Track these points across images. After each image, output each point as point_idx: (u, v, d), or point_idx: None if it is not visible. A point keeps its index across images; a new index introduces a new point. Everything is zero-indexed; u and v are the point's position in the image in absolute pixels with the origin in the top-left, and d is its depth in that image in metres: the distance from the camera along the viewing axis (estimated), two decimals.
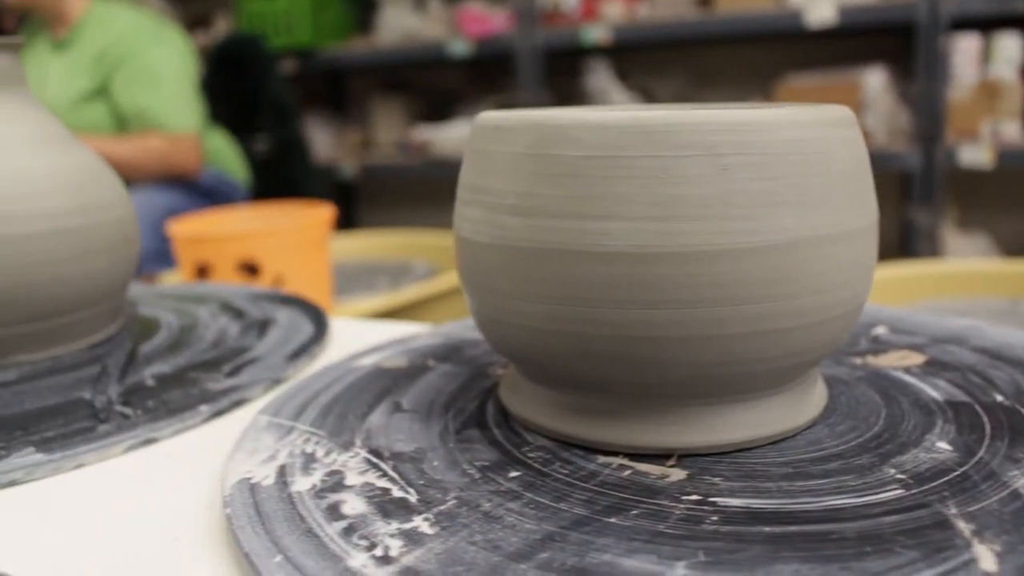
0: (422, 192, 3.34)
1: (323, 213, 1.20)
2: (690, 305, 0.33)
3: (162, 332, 0.61)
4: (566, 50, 2.70)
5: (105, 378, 0.52)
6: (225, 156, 2.18)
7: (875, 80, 2.32)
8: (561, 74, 2.84)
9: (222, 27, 3.15)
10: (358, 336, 0.62)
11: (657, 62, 2.84)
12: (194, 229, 1.18)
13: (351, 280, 1.44)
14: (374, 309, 1.19)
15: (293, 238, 1.15)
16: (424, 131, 2.85)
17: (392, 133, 3.05)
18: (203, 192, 2.02)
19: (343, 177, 2.99)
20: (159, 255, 1.82)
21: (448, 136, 2.77)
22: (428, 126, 2.91)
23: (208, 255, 1.12)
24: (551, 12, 2.64)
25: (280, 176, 2.49)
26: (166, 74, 1.92)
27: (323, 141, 3.09)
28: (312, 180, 2.58)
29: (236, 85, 2.51)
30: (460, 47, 2.69)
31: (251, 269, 1.13)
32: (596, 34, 2.53)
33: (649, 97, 2.75)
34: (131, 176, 1.88)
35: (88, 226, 0.56)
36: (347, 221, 3.30)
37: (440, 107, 3.05)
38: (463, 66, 3.09)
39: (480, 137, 0.38)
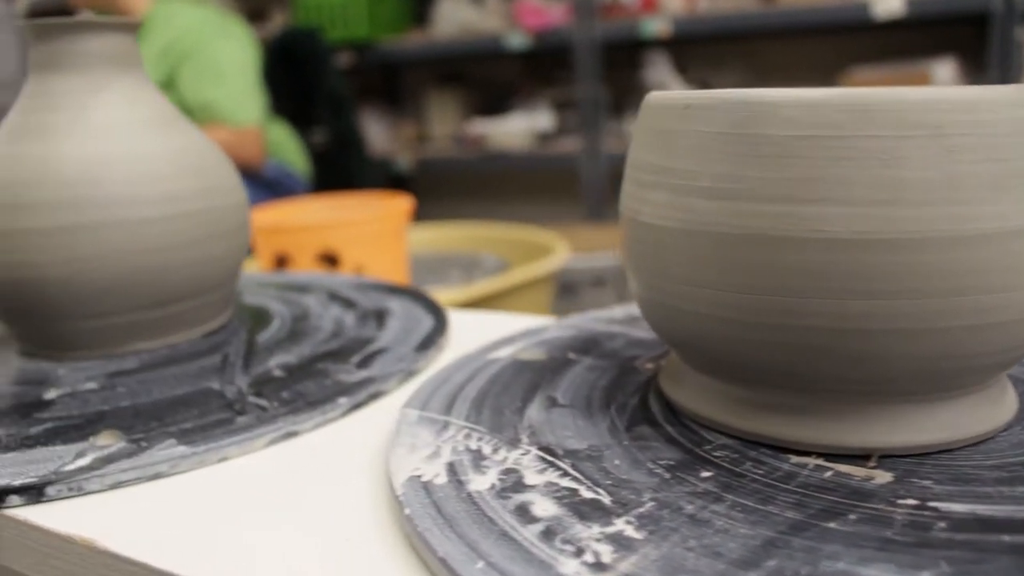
0: (478, 185, 3.32)
1: (401, 204, 1.18)
2: (918, 295, 0.30)
3: (275, 321, 0.60)
4: (624, 43, 2.67)
5: (230, 368, 0.51)
6: (286, 148, 2.18)
7: (944, 73, 2.26)
8: (619, 67, 2.81)
9: (278, 21, 3.15)
10: (474, 327, 0.60)
11: (717, 55, 2.80)
12: (274, 219, 1.17)
13: (423, 272, 1.43)
14: (453, 301, 1.18)
15: (373, 229, 1.14)
16: (480, 124, 2.84)
17: (447, 126, 3.04)
18: (266, 183, 2.02)
19: (398, 170, 2.98)
20: None
21: (505, 129, 2.75)
22: (484, 119, 2.89)
23: (288, 245, 1.11)
24: (610, 4, 2.61)
25: (337, 168, 2.49)
26: (230, 68, 1.92)
27: (378, 134, 3.08)
28: (368, 173, 2.57)
29: (293, 78, 2.51)
30: (518, 40, 2.67)
31: (331, 260, 1.12)
32: (656, 26, 2.50)
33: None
34: None
35: (209, 210, 0.55)
36: None
37: (496, 100, 3.03)
38: (519, 59, 3.07)
39: (663, 116, 0.36)
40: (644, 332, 0.52)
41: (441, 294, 1.23)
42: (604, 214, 2.73)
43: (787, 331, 0.33)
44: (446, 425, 0.40)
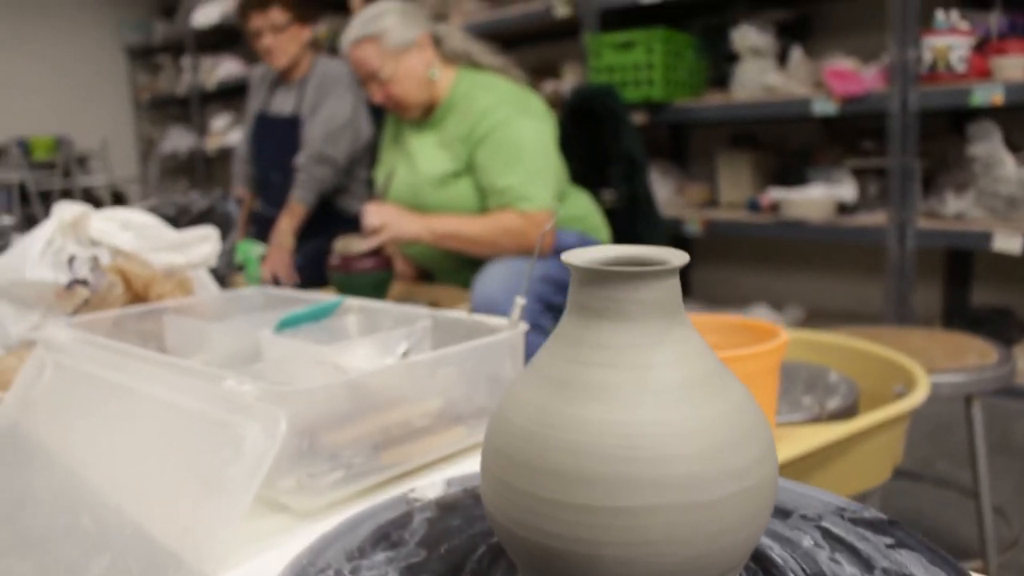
0: (768, 254, 3.19)
1: (783, 337, 1.10)
2: None
3: None
4: (946, 111, 2.48)
5: None
6: (591, 218, 2.17)
7: None
8: (933, 137, 2.62)
9: (570, 78, 3.16)
10: None
11: None
12: None
13: None
14: (824, 441, 1.10)
15: (751, 366, 1.06)
16: (776, 191, 2.72)
17: (738, 191, 2.94)
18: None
19: (685, 233, 2.91)
20: (535, 316, 1.83)
21: (803, 198, 2.62)
22: (779, 186, 2.77)
23: None
24: (932, 71, 2.42)
25: (625, 230, 2.44)
26: (526, 149, 1.91)
27: (664, 195, 3.03)
28: (657, 235, 2.51)
29: (589, 137, 2.50)
30: (824, 106, 2.54)
31: None
32: (988, 94, 2.29)
33: None
34: (489, 252, 1.90)
35: (761, 484, 0.49)
36: (683, 279, 3.22)
37: (791, 166, 2.90)
38: (818, 123, 2.92)
39: None
40: None
41: (806, 432, 1.14)
42: (907, 317, 2.51)
43: None
44: None
